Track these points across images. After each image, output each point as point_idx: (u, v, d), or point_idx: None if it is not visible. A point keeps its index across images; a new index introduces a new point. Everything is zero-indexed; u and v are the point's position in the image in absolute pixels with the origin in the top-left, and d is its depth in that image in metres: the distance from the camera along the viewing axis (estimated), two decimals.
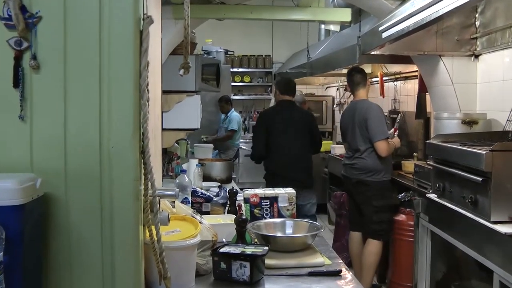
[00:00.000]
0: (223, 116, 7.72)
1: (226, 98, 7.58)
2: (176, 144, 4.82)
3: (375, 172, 4.34)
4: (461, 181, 3.05)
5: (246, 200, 2.63)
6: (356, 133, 4.40)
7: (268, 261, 2.01)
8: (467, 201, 2.93)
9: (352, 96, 4.82)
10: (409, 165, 4.55)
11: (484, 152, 2.74)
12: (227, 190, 2.95)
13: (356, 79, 4.56)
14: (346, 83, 7.21)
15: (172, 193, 1.53)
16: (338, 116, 7.79)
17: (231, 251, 1.89)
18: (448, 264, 3.57)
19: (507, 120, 3.45)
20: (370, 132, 4.30)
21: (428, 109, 4.85)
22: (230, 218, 2.52)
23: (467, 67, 4.02)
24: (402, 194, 4.15)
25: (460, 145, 3.14)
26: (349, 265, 4.56)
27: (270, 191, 2.66)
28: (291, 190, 2.68)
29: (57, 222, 1.31)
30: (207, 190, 3.47)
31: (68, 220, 1.31)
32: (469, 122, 3.77)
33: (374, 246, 4.37)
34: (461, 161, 3.03)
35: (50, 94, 1.31)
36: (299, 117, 4.65)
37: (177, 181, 2.91)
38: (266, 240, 2.20)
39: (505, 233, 2.53)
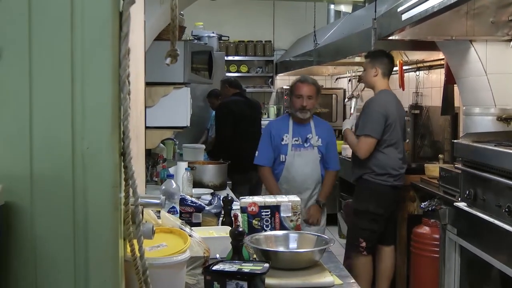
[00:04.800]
0: (214, 113, 7.61)
1: (216, 92, 7.33)
2: (161, 144, 4.83)
3: None
4: (496, 187, 3.05)
5: (243, 210, 2.63)
6: (402, 130, 4.61)
7: (268, 281, 2.00)
8: (503, 210, 2.93)
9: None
10: (433, 169, 4.55)
11: None
12: (221, 198, 2.95)
13: (391, 64, 4.65)
14: (360, 73, 7.27)
15: (157, 201, 1.53)
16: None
17: (226, 269, 1.89)
18: (481, 285, 3.56)
19: None
20: (405, 127, 4.66)
21: (457, 103, 4.85)
22: (224, 231, 2.52)
23: (503, 54, 4.00)
24: (426, 203, 4.15)
25: (495, 146, 3.14)
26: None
27: (270, 199, 2.66)
28: (295, 198, 2.68)
29: (20, 237, 1.30)
30: (198, 198, 3.47)
31: (34, 234, 1.30)
32: (505, 118, 3.78)
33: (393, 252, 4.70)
34: (496, 164, 3.03)
35: (12, 87, 1.30)
36: (254, 106, 6.36)
37: (163, 187, 2.91)
38: (266, 256, 2.21)
39: None
